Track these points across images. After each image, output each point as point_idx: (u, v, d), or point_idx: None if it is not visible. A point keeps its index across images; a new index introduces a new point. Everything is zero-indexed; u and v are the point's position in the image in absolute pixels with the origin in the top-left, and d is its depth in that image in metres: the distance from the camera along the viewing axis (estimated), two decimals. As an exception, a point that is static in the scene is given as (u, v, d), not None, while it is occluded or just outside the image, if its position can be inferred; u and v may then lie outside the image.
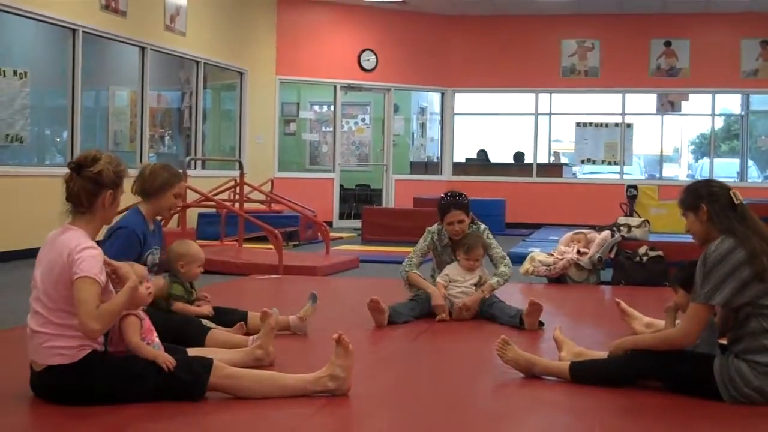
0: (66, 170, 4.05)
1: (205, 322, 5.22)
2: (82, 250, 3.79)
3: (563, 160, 21.16)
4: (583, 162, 19.86)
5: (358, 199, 19.70)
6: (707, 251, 4.16)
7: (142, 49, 13.72)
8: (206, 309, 5.39)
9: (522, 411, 4.15)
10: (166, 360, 3.94)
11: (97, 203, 3.97)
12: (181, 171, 5.73)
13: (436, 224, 6.71)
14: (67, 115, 12.12)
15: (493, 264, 6.65)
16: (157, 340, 4.11)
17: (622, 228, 9.58)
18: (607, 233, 9.26)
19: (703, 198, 4.31)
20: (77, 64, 12.07)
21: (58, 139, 13.22)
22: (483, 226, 6.71)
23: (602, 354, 4.75)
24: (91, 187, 3.95)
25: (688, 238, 4.56)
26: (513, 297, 7.02)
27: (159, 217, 5.55)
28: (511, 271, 6.64)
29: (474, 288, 6.50)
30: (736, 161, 20.55)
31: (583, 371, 4.50)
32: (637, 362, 4.35)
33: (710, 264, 4.10)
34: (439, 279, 6.55)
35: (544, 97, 19.60)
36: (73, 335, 3.81)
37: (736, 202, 4.27)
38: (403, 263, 6.69)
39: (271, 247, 10.26)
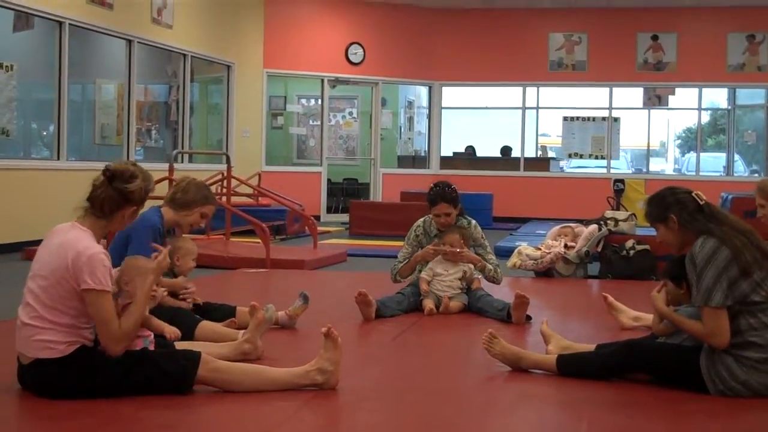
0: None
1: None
2: (92, 257, 3.78)
3: (550, 154, 21.18)
4: (570, 156, 19.90)
5: (346, 193, 19.70)
6: (693, 251, 4.15)
7: (129, 42, 13.68)
8: (185, 304, 5.38)
9: (510, 404, 4.16)
10: (172, 332, 4.14)
11: (117, 215, 3.99)
12: (215, 194, 5.79)
13: (422, 217, 6.72)
14: (54, 109, 12.09)
15: None
16: (150, 334, 4.11)
17: (609, 222, 9.59)
18: (594, 227, 9.28)
19: (671, 207, 4.30)
20: (64, 57, 12.04)
21: (45, 133, 13.17)
22: (474, 222, 6.72)
23: (589, 347, 4.76)
24: (118, 200, 3.96)
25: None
26: (500, 291, 7.03)
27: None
28: (501, 276, 6.72)
29: (459, 282, 6.51)
30: (723, 155, 20.61)
31: (570, 364, 4.50)
32: (623, 355, 4.35)
33: (700, 265, 4.09)
34: (423, 274, 6.56)
35: (531, 91, 19.63)
36: (63, 331, 3.81)
37: (701, 203, 4.26)
38: (391, 270, 6.74)
39: (259, 240, 10.25)
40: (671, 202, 4.31)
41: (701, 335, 4.15)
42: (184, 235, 5.57)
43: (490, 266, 6.60)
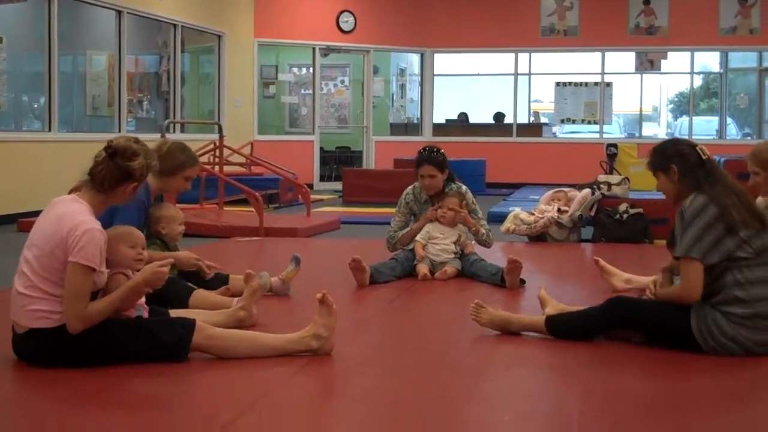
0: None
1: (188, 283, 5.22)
2: (86, 233, 3.77)
3: (543, 120, 21.18)
4: (562, 121, 19.88)
5: (339, 161, 19.69)
6: (683, 207, 4.25)
7: (119, 12, 13.60)
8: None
9: (504, 367, 4.17)
10: (156, 272, 3.97)
11: (117, 191, 3.98)
12: (198, 155, 5.63)
13: (411, 185, 6.73)
14: (44, 81, 12.04)
15: None
16: (142, 303, 4.11)
17: (602, 186, 9.60)
18: (587, 191, 9.28)
19: (673, 158, 4.37)
20: (53, 29, 11.95)
21: (36, 105, 13.14)
22: (465, 188, 6.72)
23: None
24: (118, 176, 3.95)
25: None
26: (494, 255, 7.05)
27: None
28: (492, 240, 6.73)
29: (453, 245, 6.53)
30: (715, 119, 20.63)
31: (560, 323, 4.54)
32: (613, 311, 4.38)
33: (688, 218, 4.19)
34: (418, 237, 6.56)
35: (523, 57, 19.57)
36: (57, 301, 3.81)
37: (704, 158, 4.33)
38: (387, 239, 6.72)
39: (252, 209, 10.26)
40: (674, 153, 4.39)
41: (679, 294, 4.25)
42: (165, 203, 5.53)
43: (483, 230, 6.63)
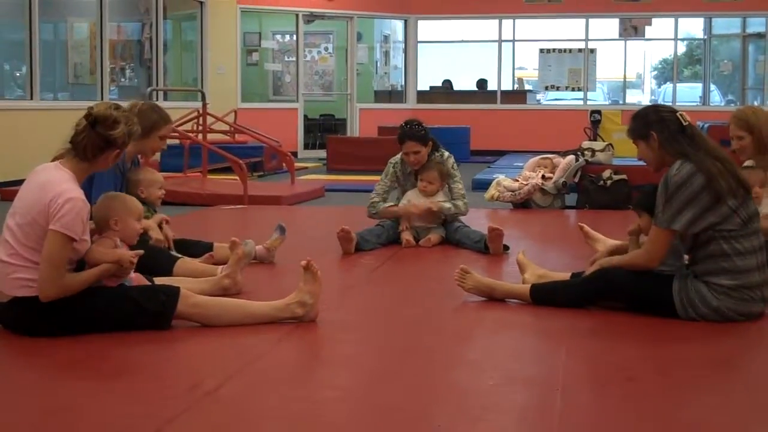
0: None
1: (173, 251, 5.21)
2: (67, 201, 3.75)
3: (527, 86, 21.15)
4: (546, 88, 19.87)
5: (323, 129, 19.62)
6: (668, 174, 4.17)
7: (100, -21, 13.50)
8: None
9: (488, 332, 4.19)
10: (132, 256, 3.97)
11: (100, 158, 3.94)
12: (169, 114, 5.60)
13: (399, 154, 6.71)
14: (26, 49, 11.95)
15: (452, 198, 6.60)
16: (125, 276, 4.08)
17: (586, 152, 9.61)
18: (571, 158, 9.29)
19: (653, 125, 4.28)
20: (34, -4, 11.87)
21: (18, 74, 13.05)
22: (447, 154, 6.70)
23: (565, 275, 4.79)
24: (100, 144, 3.91)
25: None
26: (478, 222, 7.05)
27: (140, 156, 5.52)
28: (466, 209, 6.60)
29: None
30: (699, 86, 20.64)
31: (544, 293, 4.53)
32: (597, 283, 4.38)
33: (672, 188, 4.11)
34: (400, 204, 6.56)
35: (507, 23, 19.51)
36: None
37: (684, 123, 4.26)
38: (369, 205, 6.67)
39: (236, 177, 10.24)
40: (654, 120, 4.30)
41: (632, 263, 4.29)
42: (144, 167, 5.50)
43: (450, 206, 6.49)
